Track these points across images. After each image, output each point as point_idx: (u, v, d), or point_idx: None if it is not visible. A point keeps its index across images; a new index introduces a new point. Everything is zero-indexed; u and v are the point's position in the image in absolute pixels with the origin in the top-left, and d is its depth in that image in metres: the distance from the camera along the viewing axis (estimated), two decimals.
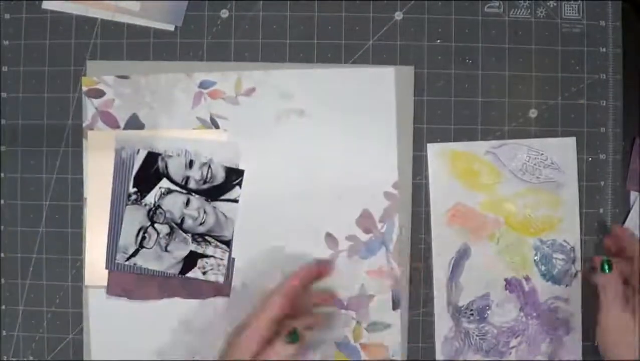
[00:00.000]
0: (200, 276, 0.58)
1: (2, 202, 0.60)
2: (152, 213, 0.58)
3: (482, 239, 0.59)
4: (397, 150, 0.59)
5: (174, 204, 0.58)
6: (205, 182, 0.58)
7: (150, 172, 0.58)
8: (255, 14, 0.60)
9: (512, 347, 0.59)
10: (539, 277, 0.59)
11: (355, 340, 0.59)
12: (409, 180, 0.59)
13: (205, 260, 0.58)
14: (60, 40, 0.60)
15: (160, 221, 0.58)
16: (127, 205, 0.58)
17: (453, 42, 0.59)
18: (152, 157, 0.58)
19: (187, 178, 0.58)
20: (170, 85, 0.59)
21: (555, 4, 0.60)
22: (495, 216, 0.59)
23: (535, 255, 0.59)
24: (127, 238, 0.58)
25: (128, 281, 0.58)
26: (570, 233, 0.59)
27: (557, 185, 0.59)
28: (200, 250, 0.58)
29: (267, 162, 0.58)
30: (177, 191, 0.58)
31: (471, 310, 0.59)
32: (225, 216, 0.58)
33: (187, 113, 0.59)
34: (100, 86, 0.59)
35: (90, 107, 0.59)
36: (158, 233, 0.58)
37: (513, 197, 0.59)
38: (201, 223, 0.58)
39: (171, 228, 0.58)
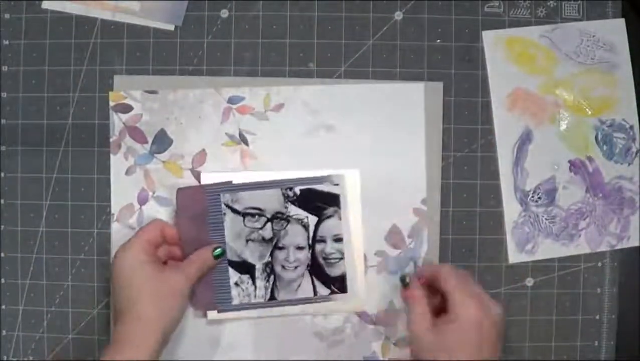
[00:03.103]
0: None
1: (2, 201, 0.60)
2: None
3: (543, 122, 0.59)
4: (426, 166, 0.59)
5: None
6: None
7: None
8: (255, 14, 0.60)
9: (582, 229, 0.59)
10: (602, 157, 0.60)
11: (383, 355, 0.58)
12: (437, 197, 0.59)
13: None
14: (60, 40, 0.60)
15: None
16: None
17: (453, 42, 0.59)
18: None
19: None
20: (198, 101, 0.59)
21: (555, 4, 0.60)
22: (554, 98, 0.59)
23: (596, 135, 0.59)
24: None
25: None
26: (628, 112, 0.60)
27: (611, 65, 0.60)
28: None
29: None
30: None
31: (538, 193, 0.59)
32: None
33: (216, 129, 0.59)
34: (128, 101, 0.59)
35: (117, 122, 0.59)
36: None
37: (570, 79, 0.59)
38: None
39: None
